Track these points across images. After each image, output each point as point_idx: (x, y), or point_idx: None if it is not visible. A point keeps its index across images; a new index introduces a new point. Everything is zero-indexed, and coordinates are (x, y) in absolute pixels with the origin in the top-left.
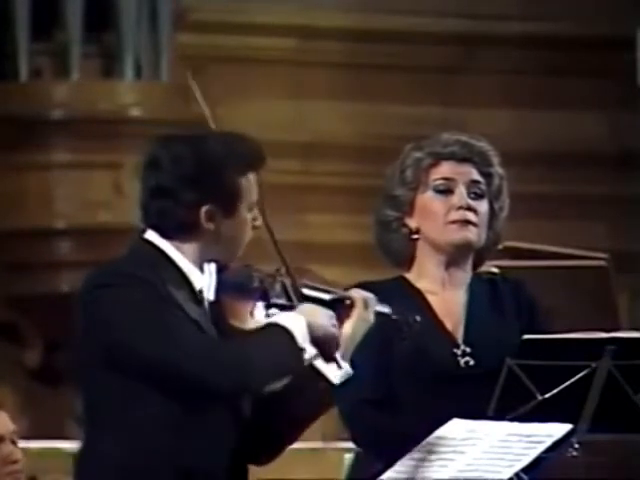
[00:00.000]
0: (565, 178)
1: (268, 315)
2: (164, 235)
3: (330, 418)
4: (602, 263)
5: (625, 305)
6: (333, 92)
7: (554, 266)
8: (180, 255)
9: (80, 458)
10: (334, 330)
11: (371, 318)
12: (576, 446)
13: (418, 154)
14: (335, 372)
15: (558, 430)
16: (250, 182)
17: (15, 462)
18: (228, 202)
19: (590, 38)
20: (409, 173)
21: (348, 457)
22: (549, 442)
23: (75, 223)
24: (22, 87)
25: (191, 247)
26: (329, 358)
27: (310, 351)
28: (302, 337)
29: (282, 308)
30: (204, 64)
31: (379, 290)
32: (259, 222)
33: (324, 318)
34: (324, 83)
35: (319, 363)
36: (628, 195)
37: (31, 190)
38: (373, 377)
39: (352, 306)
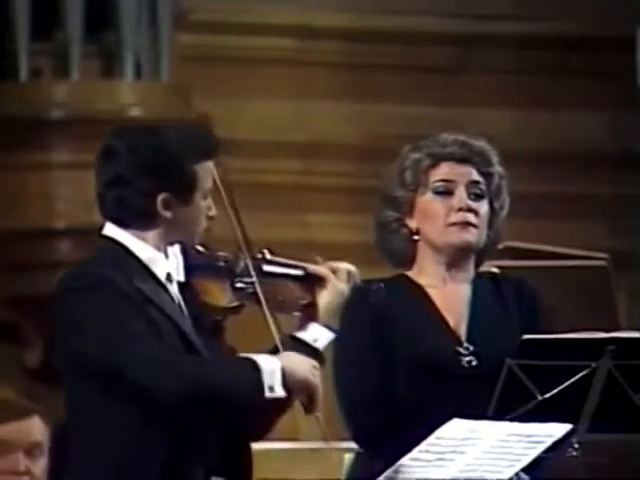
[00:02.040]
0: (565, 178)
1: (236, 289)
2: (122, 225)
3: (330, 418)
4: (602, 263)
5: (624, 305)
6: (333, 92)
7: (554, 266)
8: (141, 243)
9: (69, 458)
10: (313, 380)
11: (345, 290)
12: (576, 446)
13: (417, 155)
14: (317, 338)
15: (558, 430)
16: (206, 171)
17: (17, 474)
18: (184, 190)
19: (590, 38)
20: (408, 174)
21: (348, 457)
22: (549, 442)
23: (75, 223)
24: (22, 87)
25: (151, 234)
26: (307, 408)
27: (278, 391)
28: (270, 376)
29: (248, 284)
30: (204, 64)
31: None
32: (213, 212)
33: (304, 366)
34: (324, 83)
35: (301, 333)
36: (628, 195)
37: (31, 190)
38: (374, 375)
39: (324, 278)
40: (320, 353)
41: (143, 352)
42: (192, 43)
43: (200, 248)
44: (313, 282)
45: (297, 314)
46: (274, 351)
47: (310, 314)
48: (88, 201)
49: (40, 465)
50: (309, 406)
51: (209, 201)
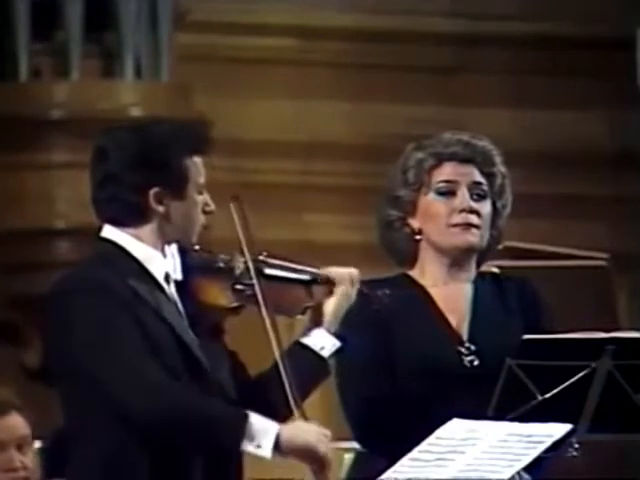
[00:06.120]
0: (565, 178)
1: (235, 290)
2: (119, 224)
3: (330, 418)
4: (602, 263)
5: (624, 305)
6: (333, 92)
7: (554, 266)
8: (138, 243)
9: (69, 458)
10: (319, 447)
11: (354, 294)
12: (576, 446)
13: (420, 155)
14: (324, 346)
15: (558, 430)
16: (196, 165)
17: (14, 470)
18: (176, 184)
19: (590, 38)
20: (411, 174)
21: (348, 457)
22: (549, 442)
23: (75, 223)
24: (22, 87)
25: (146, 231)
26: (316, 475)
27: (265, 450)
28: (260, 434)
29: (247, 286)
30: (204, 64)
31: (382, 286)
32: (211, 207)
33: (309, 434)
34: (324, 83)
35: (307, 339)
36: (628, 195)
37: (31, 190)
38: (376, 375)
39: (332, 283)
40: (325, 361)
41: (129, 365)
42: (192, 43)
43: (198, 248)
44: (318, 287)
45: (302, 318)
46: (275, 366)
47: (315, 319)
48: (88, 201)
49: (30, 457)
50: (319, 473)
51: (206, 197)
